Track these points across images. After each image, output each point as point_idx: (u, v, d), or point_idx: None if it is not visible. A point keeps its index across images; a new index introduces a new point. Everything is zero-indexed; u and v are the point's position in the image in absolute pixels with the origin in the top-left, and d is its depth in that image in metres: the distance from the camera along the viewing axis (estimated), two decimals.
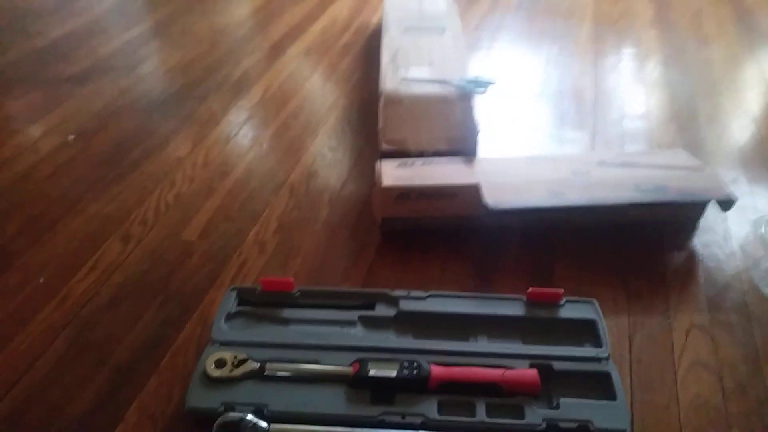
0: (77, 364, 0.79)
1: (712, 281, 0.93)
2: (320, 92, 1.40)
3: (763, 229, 0.96)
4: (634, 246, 0.98)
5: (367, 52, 1.55)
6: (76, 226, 1.01)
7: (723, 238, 1.00)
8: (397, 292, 0.85)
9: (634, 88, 1.43)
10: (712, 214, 1.03)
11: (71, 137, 1.22)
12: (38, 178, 1.11)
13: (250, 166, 1.15)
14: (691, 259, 0.96)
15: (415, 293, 0.85)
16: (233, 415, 0.69)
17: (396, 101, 1.13)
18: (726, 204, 0.96)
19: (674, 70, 1.50)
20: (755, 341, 0.83)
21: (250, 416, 0.69)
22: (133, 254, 0.95)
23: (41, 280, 0.91)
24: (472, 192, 0.95)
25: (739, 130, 1.27)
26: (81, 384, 0.76)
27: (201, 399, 0.71)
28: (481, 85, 1.15)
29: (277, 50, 1.57)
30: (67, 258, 0.94)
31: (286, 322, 0.82)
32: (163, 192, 1.08)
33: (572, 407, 0.71)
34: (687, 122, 1.30)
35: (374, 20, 1.72)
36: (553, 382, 0.75)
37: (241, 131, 1.25)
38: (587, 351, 0.78)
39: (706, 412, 0.75)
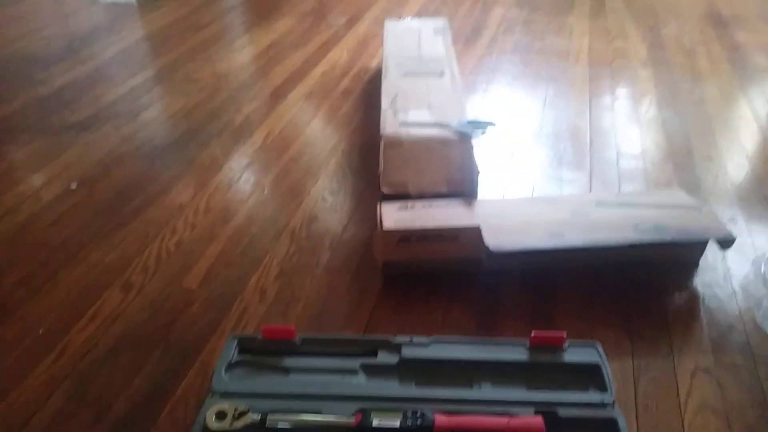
0: (74, 420, 0.78)
1: (714, 322, 0.92)
2: (321, 136, 1.42)
3: (763, 268, 0.96)
4: (635, 287, 0.98)
5: (367, 96, 1.58)
6: (77, 275, 1.01)
7: (723, 277, 1.00)
8: (399, 339, 0.84)
9: (630, 127, 1.45)
10: (711, 253, 1.03)
11: (73, 185, 1.23)
12: (39, 227, 1.12)
13: (251, 211, 1.16)
14: (693, 299, 0.96)
15: (417, 339, 0.85)
16: None
17: (396, 144, 1.14)
18: (725, 243, 0.97)
19: (669, 110, 1.52)
20: (761, 384, 0.82)
21: None
22: (134, 303, 0.95)
23: (40, 331, 0.90)
24: (473, 234, 0.95)
25: (735, 169, 1.28)
26: None
27: None
28: (480, 126, 1.17)
29: (278, 95, 1.60)
30: (66, 308, 0.94)
31: (288, 371, 0.82)
32: (164, 239, 1.08)
33: None
34: (683, 161, 1.31)
35: (373, 64, 1.76)
36: (559, 429, 0.74)
37: (243, 177, 1.27)
38: (592, 396, 0.77)
39: None
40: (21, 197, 1.20)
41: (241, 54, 1.86)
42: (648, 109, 1.53)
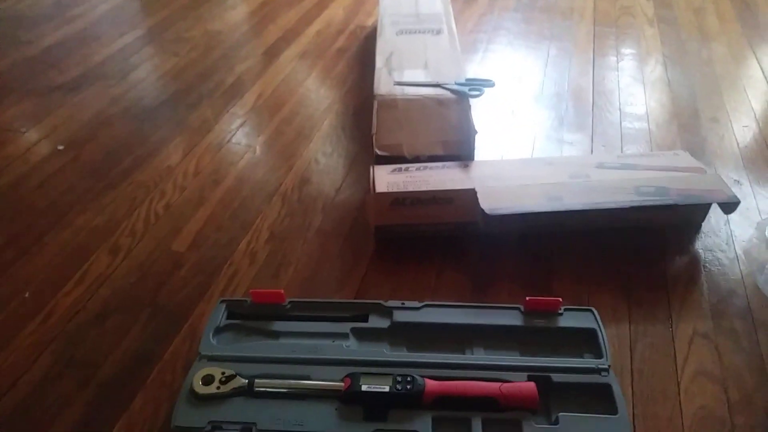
0: (62, 382, 0.77)
1: (715, 287, 0.90)
2: (314, 97, 1.38)
3: (767, 232, 0.94)
4: (634, 251, 0.96)
5: (363, 55, 1.53)
6: (64, 238, 0.99)
7: (726, 241, 0.97)
8: (391, 303, 0.82)
9: (634, 87, 1.41)
10: (714, 216, 1.00)
11: (61, 147, 1.20)
12: (26, 189, 1.09)
13: (242, 173, 1.13)
14: (694, 264, 0.94)
15: (409, 304, 0.83)
16: None
17: (390, 105, 1.11)
18: (729, 206, 0.94)
19: (675, 70, 1.47)
20: (760, 349, 0.81)
21: None
22: (121, 267, 0.93)
23: (27, 294, 0.89)
24: (469, 197, 0.93)
25: (742, 130, 1.24)
26: (65, 402, 0.74)
27: (187, 417, 0.69)
28: (478, 87, 1.13)
29: (271, 55, 1.55)
30: (53, 271, 0.92)
31: (277, 335, 0.80)
32: (153, 202, 1.06)
33: (571, 422, 0.69)
34: (688, 123, 1.27)
35: (370, 22, 1.70)
36: (552, 395, 0.73)
37: (234, 138, 1.23)
38: (587, 362, 0.76)
39: (711, 425, 0.72)
40: (7, 159, 1.17)
41: (234, 12, 1.80)
42: (653, 68, 1.48)
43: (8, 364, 0.79)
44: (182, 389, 0.72)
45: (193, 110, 1.32)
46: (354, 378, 0.72)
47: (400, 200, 0.94)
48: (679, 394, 0.76)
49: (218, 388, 0.71)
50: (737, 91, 1.38)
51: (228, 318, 0.82)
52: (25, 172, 1.13)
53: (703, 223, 1.00)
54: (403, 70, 1.19)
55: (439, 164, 1.02)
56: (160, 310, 0.86)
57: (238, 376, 0.72)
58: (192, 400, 0.71)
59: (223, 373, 0.72)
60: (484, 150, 1.13)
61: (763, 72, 1.45)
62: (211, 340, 0.78)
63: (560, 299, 0.81)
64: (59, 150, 1.19)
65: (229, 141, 1.22)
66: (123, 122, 1.28)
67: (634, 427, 0.71)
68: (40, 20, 1.72)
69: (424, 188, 0.94)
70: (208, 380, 0.72)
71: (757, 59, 1.51)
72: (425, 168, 1.00)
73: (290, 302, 0.83)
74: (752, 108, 1.32)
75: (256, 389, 0.71)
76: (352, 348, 0.78)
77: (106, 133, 1.25)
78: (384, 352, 0.78)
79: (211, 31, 1.67)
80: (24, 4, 1.82)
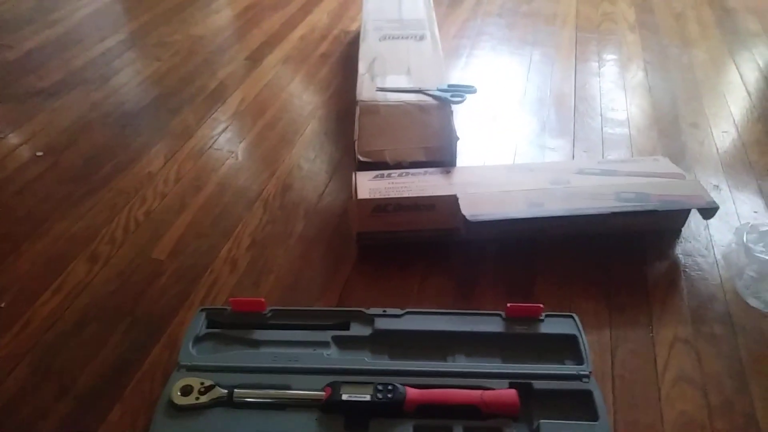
0: (38, 394, 0.75)
1: (695, 292, 0.91)
2: (298, 102, 1.38)
3: (745, 237, 0.94)
4: (615, 257, 0.96)
5: (346, 60, 1.53)
6: (42, 246, 0.97)
7: (705, 246, 0.98)
8: (373, 311, 0.82)
9: (616, 93, 1.42)
10: (694, 222, 1.01)
11: (39, 153, 1.18)
12: (4, 196, 1.08)
13: (223, 180, 1.12)
14: (674, 269, 0.94)
15: (391, 311, 0.82)
16: None
17: (372, 111, 1.10)
18: (708, 212, 0.95)
19: (656, 75, 1.49)
20: (740, 354, 0.81)
21: None
22: (100, 275, 0.92)
23: (2, 304, 0.87)
24: (450, 203, 0.93)
25: (721, 136, 1.26)
26: (41, 414, 0.73)
27: (165, 429, 0.68)
28: (460, 93, 1.13)
29: (254, 59, 1.54)
30: (30, 281, 0.91)
31: (257, 344, 0.79)
32: (133, 209, 1.05)
33: (552, 429, 0.69)
34: (668, 128, 1.29)
35: (353, 27, 1.70)
36: (533, 402, 0.73)
37: (216, 144, 1.22)
38: (568, 368, 0.76)
39: (691, 430, 0.73)
40: None
41: (217, 16, 1.79)
42: (635, 74, 1.50)
43: None
44: (160, 400, 0.71)
45: (174, 115, 1.31)
46: (334, 387, 0.71)
47: (382, 207, 0.94)
48: (659, 399, 0.76)
49: (197, 398, 0.70)
50: (717, 97, 1.40)
51: (208, 327, 0.81)
52: (3, 179, 1.12)
53: (683, 229, 1.01)
54: (386, 76, 1.19)
55: (421, 170, 1.02)
56: (139, 319, 0.85)
57: (217, 387, 0.71)
58: (170, 411, 0.70)
59: (202, 384, 0.72)
60: (466, 156, 1.13)
61: (741, 78, 1.47)
62: (191, 349, 0.77)
63: (541, 305, 0.81)
64: (38, 156, 1.18)
65: (210, 147, 1.22)
66: (103, 128, 1.27)
67: None
68: (20, 24, 1.70)
69: (406, 194, 0.94)
70: (186, 390, 0.71)
71: (736, 65, 1.53)
72: (407, 174, 1.00)
73: (271, 310, 0.82)
74: (731, 113, 1.34)
75: (236, 399, 0.71)
76: (333, 356, 0.78)
77: (86, 138, 1.23)
78: (365, 360, 0.77)
79: (194, 35, 1.66)
80: (4, 8, 1.80)
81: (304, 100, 1.38)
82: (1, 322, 0.85)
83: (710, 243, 0.99)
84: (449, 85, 1.15)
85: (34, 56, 1.55)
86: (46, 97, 1.36)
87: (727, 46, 1.62)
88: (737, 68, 1.52)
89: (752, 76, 1.48)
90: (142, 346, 0.82)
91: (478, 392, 0.71)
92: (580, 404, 0.72)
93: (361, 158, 1.04)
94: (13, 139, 1.23)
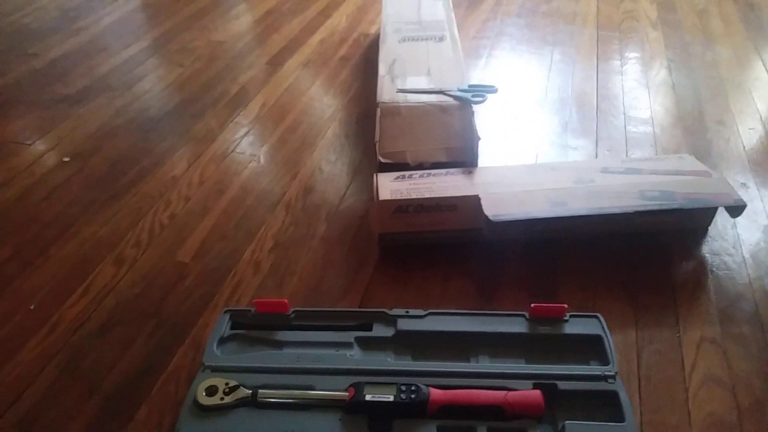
0: (66, 394, 0.77)
1: (722, 292, 0.89)
2: (318, 105, 1.39)
3: None
4: (640, 256, 0.95)
5: (366, 62, 1.54)
6: (69, 250, 0.99)
7: (733, 245, 0.96)
8: (395, 311, 0.82)
9: (639, 92, 1.40)
10: (721, 220, 0.99)
11: (66, 159, 1.21)
12: (32, 201, 1.10)
13: (246, 183, 1.13)
14: (701, 268, 0.93)
15: (413, 312, 0.82)
16: None
17: (393, 112, 1.11)
18: (735, 210, 0.93)
19: (679, 73, 1.47)
20: None
21: None
22: (126, 278, 0.93)
23: (32, 306, 0.89)
24: (472, 204, 0.92)
25: (747, 133, 1.23)
26: (70, 414, 0.74)
27: (191, 429, 0.69)
28: (481, 93, 1.13)
29: (275, 64, 1.56)
30: (58, 283, 0.93)
31: (281, 345, 0.80)
32: (157, 213, 1.06)
33: (577, 430, 0.68)
34: (693, 126, 1.27)
35: (373, 30, 1.71)
36: (558, 402, 0.72)
37: (238, 147, 1.24)
38: (593, 369, 0.75)
39: None
40: (13, 171, 1.17)
41: (237, 22, 1.81)
42: (658, 72, 1.48)
43: (13, 377, 0.79)
44: (186, 400, 0.72)
45: (197, 120, 1.33)
46: (358, 387, 0.71)
47: (404, 208, 0.94)
48: (687, 400, 0.75)
49: (222, 399, 0.71)
50: (743, 94, 1.37)
51: (232, 328, 0.82)
52: (31, 185, 1.14)
53: (709, 227, 0.99)
54: (406, 78, 1.19)
55: (443, 171, 1.01)
56: (164, 320, 0.86)
57: (241, 387, 0.72)
58: (196, 411, 0.70)
59: (226, 384, 0.72)
60: (487, 156, 1.13)
61: None
62: (215, 350, 0.78)
63: (565, 305, 0.80)
64: (65, 162, 1.20)
65: (233, 150, 1.23)
66: (128, 133, 1.29)
67: None
68: (45, 33, 1.73)
69: (427, 195, 0.94)
70: (211, 391, 0.72)
71: (762, 61, 1.50)
72: (429, 175, 1.00)
73: (294, 311, 0.83)
74: (758, 110, 1.31)
75: (260, 400, 0.71)
76: (356, 357, 0.78)
77: (111, 144, 1.25)
78: (388, 361, 0.77)
79: (215, 41, 1.68)
80: (30, 18, 1.84)
81: (324, 104, 1.39)
82: (30, 324, 0.86)
83: (738, 242, 0.97)
84: (470, 86, 1.14)
85: (59, 64, 1.58)
86: (72, 104, 1.39)
87: (752, 42, 1.59)
88: (764, 64, 1.49)
89: None
90: (168, 347, 0.83)
91: (502, 393, 0.70)
92: (606, 405, 0.71)
93: (383, 159, 1.05)
94: (40, 145, 1.26)
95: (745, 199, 0.93)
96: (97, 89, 1.45)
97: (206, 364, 0.76)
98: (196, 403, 0.71)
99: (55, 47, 1.66)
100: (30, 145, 1.26)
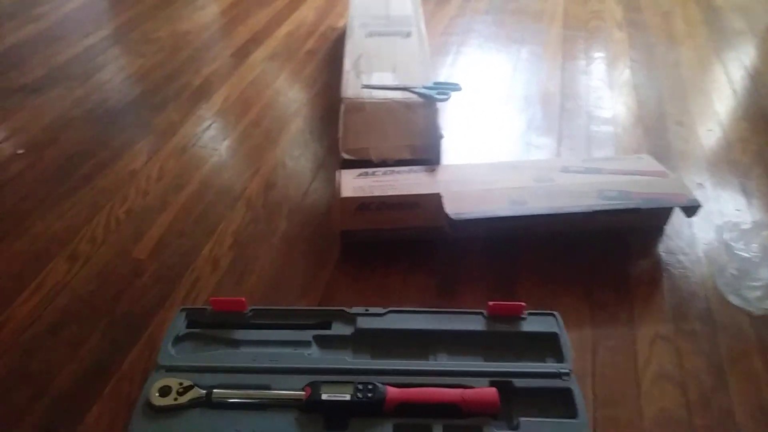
0: (14, 396, 0.75)
1: (677, 289, 0.91)
2: (283, 99, 1.37)
3: (727, 235, 0.95)
4: (598, 255, 0.96)
5: (333, 57, 1.52)
6: (21, 245, 0.96)
7: (688, 244, 0.98)
8: (355, 310, 0.82)
9: (602, 91, 1.42)
10: (677, 220, 1.01)
11: (20, 151, 1.17)
12: None
13: (206, 178, 1.12)
14: (656, 267, 0.95)
15: (373, 310, 0.82)
16: None
17: (357, 108, 1.10)
18: (690, 210, 0.95)
19: (642, 73, 1.49)
20: (719, 350, 0.82)
21: None
22: (80, 274, 0.91)
23: None
24: (434, 202, 0.92)
25: (706, 134, 1.26)
26: (17, 416, 0.72)
27: (143, 430, 0.68)
28: (446, 91, 1.13)
29: (240, 56, 1.53)
30: (8, 281, 0.90)
31: (237, 344, 0.79)
32: (114, 208, 1.04)
33: (532, 427, 0.69)
34: (654, 126, 1.29)
35: (341, 24, 1.69)
36: (514, 400, 0.72)
37: (200, 141, 1.22)
38: (549, 366, 0.76)
39: (671, 427, 0.73)
40: None
41: (203, 12, 1.77)
42: (621, 72, 1.50)
43: None
44: (138, 401, 0.70)
45: (158, 113, 1.30)
46: (314, 387, 0.71)
47: (366, 205, 0.93)
48: (639, 396, 0.76)
49: (175, 399, 0.70)
50: (702, 95, 1.40)
51: (188, 327, 0.80)
52: None
53: (666, 227, 1.01)
54: (372, 73, 1.19)
55: (406, 168, 1.01)
56: (118, 319, 0.85)
57: (196, 387, 0.71)
58: (148, 412, 0.69)
59: (180, 384, 0.71)
60: (451, 154, 1.13)
61: (727, 76, 1.48)
62: (170, 350, 0.76)
63: (523, 304, 0.81)
64: (18, 154, 1.17)
65: (194, 144, 1.21)
66: (85, 125, 1.26)
67: (595, 430, 0.72)
68: (1, 18, 1.68)
69: (390, 193, 0.94)
70: (165, 391, 0.70)
71: (722, 63, 1.53)
72: (392, 172, 1.00)
73: (252, 310, 0.82)
74: (716, 112, 1.34)
75: (215, 400, 0.70)
76: (314, 356, 0.77)
77: (67, 136, 1.22)
78: (347, 359, 0.77)
79: (179, 31, 1.65)
80: None
81: (289, 98, 1.37)
82: None
83: (693, 241, 0.99)
84: (435, 83, 1.14)
85: (15, 51, 1.53)
86: (28, 94, 1.35)
87: (713, 45, 1.63)
88: (723, 66, 1.52)
89: (738, 74, 1.49)
90: (122, 346, 0.81)
91: (459, 391, 0.71)
92: (560, 402, 0.72)
93: (346, 156, 1.04)
94: None
95: (701, 199, 0.95)
96: (55, 79, 1.41)
97: (161, 363, 0.74)
98: (148, 403, 0.69)
99: (12, 34, 1.60)
100: None
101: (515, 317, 0.81)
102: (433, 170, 1.01)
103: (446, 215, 0.90)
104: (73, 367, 0.78)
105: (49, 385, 0.76)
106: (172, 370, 0.74)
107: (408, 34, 1.35)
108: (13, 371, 0.77)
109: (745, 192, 1.09)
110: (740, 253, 0.91)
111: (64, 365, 0.78)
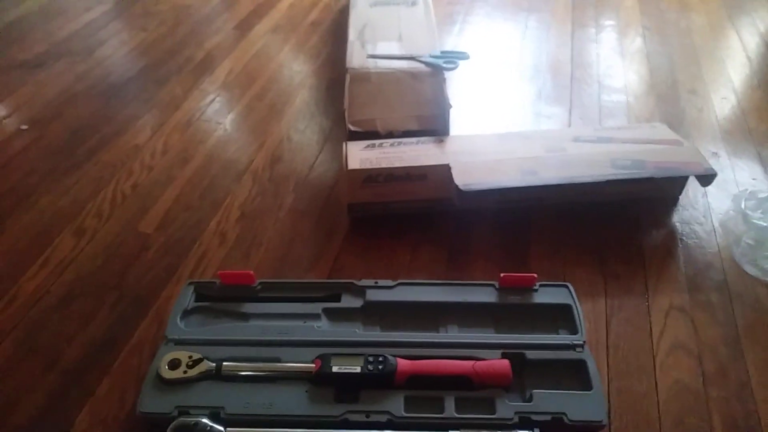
0: (24, 369, 0.74)
1: (692, 259, 0.89)
2: (287, 72, 1.34)
3: (743, 204, 0.93)
4: (611, 225, 0.95)
5: (337, 28, 1.49)
6: (27, 220, 0.95)
7: (703, 214, 0.97)
8: (364, 282, 0.81)
9: (613, 59, 1.39)
10: (692, 189, 0.99)
11: (24, 127, 1.16)
12: None
13: (211, 152, 1.10)
14: (671, 237, 0.93)
15: (382, 282, 0.81)
16: (186, 419, 0.65)
17: (363, 78, 1.08)
18: (706, 179, 0.93)
19: (654, 41, 1.45)
20: (735, 321, 0.80)
21: (205, 420, 0.65)
22: (87, 249, 0.90)
23: None
24: (443, 173, 0.91)
25: (720, 102, 1.23)
26: (28, 389, 0.72)
27: (154, 403, 0.67)
28: (453, 60, 1.10)
29: (242, 29, 1.50)
30: (16, 255, 0.89)
31: (246, 317, 0.78)
32: (119, 182, 1.02)
33: (545, 399, 0.68)
34: (666, 94, 1.26)
35: None
36: (526, 372, 0.72)
37: (203, 115, 1.20)
38: (562, 338, 0.75)
39: (685, 398, 0.72)
40: None
41: None
42: (633, 40, 1.46)
43: None
44: (148, 374, 0.70)
45: (161, 87, 1.28)
46: (324, 359, 0.70)
47: (373, 177, 0.92)
48: (654, 368, 0.75)
49: (185, 372, 0.69)
50: (716, 63, 1.37)
51: (196, 300, 0.79)
52: None
53: (680, 196, 0.99)
54: (377, 43, 1.16)
55: (414, 140, 0.99)
56: (126, 293, 0.84)
57: (205, 360, 0.70)
58: (158, 384, 0.69)
59: (190, 357, 0.71)
60: (459, 124, 1.11)
61: (741, 43, 1.44)
62: (179, 323, 0.76)
63: (535, 275, 0.80)
64: (22, 130, 1.15)
65: (198, 118, 1.19)
66: (88, 100, 1.24)
67: (609, 402, 0.71)
68: None
69: (397, 164, 0.92)
70: (174, 364, 0.70)
71: (735, 30, 1.49)
72: (399, 144, 0.98)
73: (260, 283, 0.81)
74: (731, 79, 1.31)
75: (224, 372, 0.70)
76: (323, 329, 0.77)
77: (71, 111, 1.20)
78: (356, 332, 0.76)
79: (181, 4, 1.62)
80: None
81: (293, 70, 1.35)
82: None
83: (708, 210, 0.97)
84: (442, 52, 1.12)
85: (16, 27, 1.50)
86: (30, 70, 1.33)
87: (726, 11, 1.58)
88: (737, 33, 1.48)
89: (752, 41, 1.45)
90: (130, 320, 0.80)
91: (470, 363, 0.70)
92: (574, 374, 0.71)
93: (352, 128, 1.02)
94: None
95: (716, 168, 0.93)
96: (57, 54, 1.39)
97: (169, 337, 0.74)
98: (158, 376, 0.69)
99: (11, 9, 1.58)
100: None
101: (527, 289, 0.80)
102: (441, 141, 0.99)
103: (455, 186, 0.88)
104: (83, 340, 0.78)
105: (59, 358, 0.76)
106: (180, 343, 0.73)
107: (413, 3, 1.31)
108: (23, 345, 0.77)
109: (762, 160, 1.07)
110: (757, 222, 0.89)
111: (73, 339, 0.78)
